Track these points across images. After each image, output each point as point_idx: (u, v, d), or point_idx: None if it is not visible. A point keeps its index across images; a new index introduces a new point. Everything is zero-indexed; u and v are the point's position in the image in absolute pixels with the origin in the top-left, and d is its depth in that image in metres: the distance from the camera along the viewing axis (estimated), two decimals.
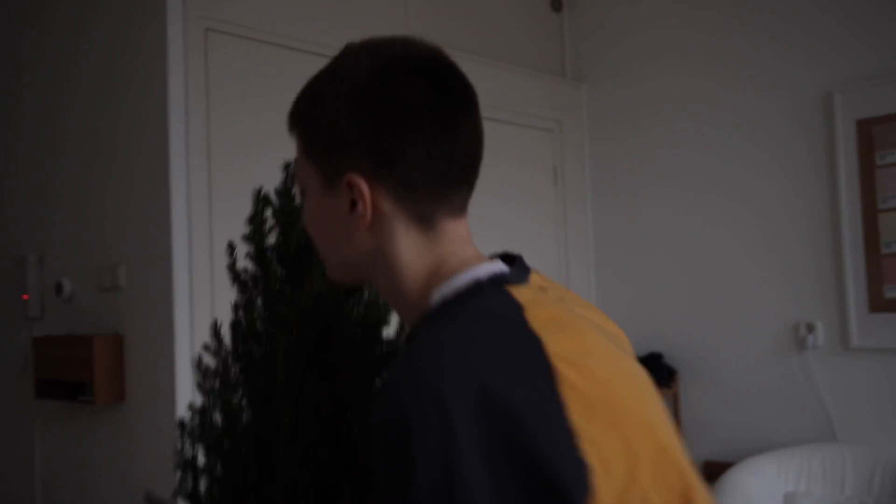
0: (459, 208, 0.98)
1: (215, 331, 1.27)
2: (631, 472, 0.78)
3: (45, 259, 3.10)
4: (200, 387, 1.28)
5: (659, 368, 3.89)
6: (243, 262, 1.26)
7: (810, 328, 3.62)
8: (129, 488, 2.73)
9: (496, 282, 0.90)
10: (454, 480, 0.72)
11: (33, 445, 3.11)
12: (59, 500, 3.01)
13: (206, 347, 1.23)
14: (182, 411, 2.58)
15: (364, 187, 0.91)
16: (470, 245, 0.99)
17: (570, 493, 0.74)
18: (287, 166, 1.38)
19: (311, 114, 0.96)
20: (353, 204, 0.92)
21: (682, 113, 4.01)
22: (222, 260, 2.70)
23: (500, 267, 0.94)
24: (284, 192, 1.37)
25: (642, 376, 0.91)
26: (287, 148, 3.08)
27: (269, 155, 2.85)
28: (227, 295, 2.75)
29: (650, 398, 0.88)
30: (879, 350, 3.46)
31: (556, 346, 0.82)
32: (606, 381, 0.83)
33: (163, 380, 2.61)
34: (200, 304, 2.64)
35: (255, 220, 1.32)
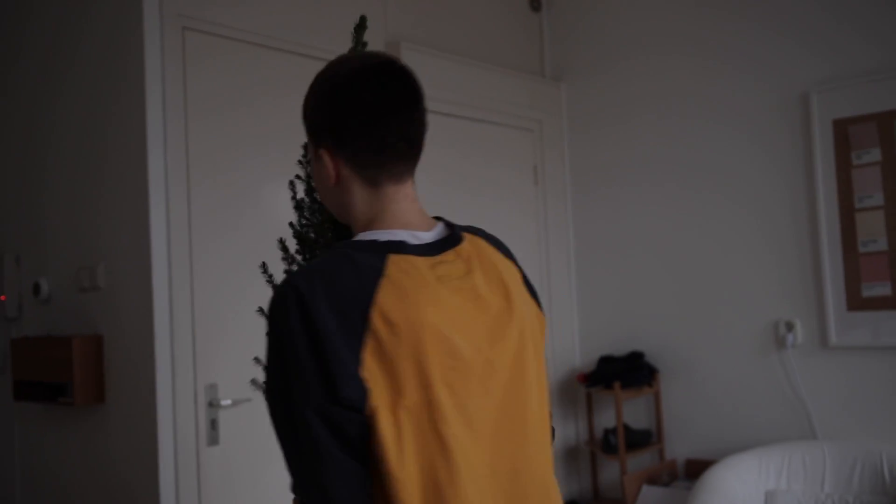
0: (400, 175, 1.31)
1: (283, 244, 1.76)
2: (399, 391, 1.13)
3: (23, 259, 3.08)
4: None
5: (640, 367, 3.91)
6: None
7: (790, 327, 3.65)
8: (109, 489, 2.71)
9: (387, 248, 1.23)
10: (312, 315, 1.13)
11: (12, 448, 3.08)
12: (40, 502, 2.98)
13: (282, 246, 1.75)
14: (162, 412, 2.56)
15: (327, 158, 1.30)
16: (412, 203, 1.32)
17: (351, 399, 1.12)
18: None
19: (303, 107, 1.34)
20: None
21: (661, 112, 4.03)
22: (201, 258, 2.69)
23: (406, 237, 1.26)
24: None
25: (476, 342, 1.23)
26: (265, 146, 3.09)
27: (248, 153, 2.85)
28: (207, 294, 2.73)
29: (469, 353, 1.21)
30: (858, 348, 3.49)
31: (386, 307, 1.16)
32: (414, 341, 1.15)
33: (143, 380, 2.59)
34: (180, 303, 2.62)
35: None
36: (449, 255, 1.29)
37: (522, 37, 4.30)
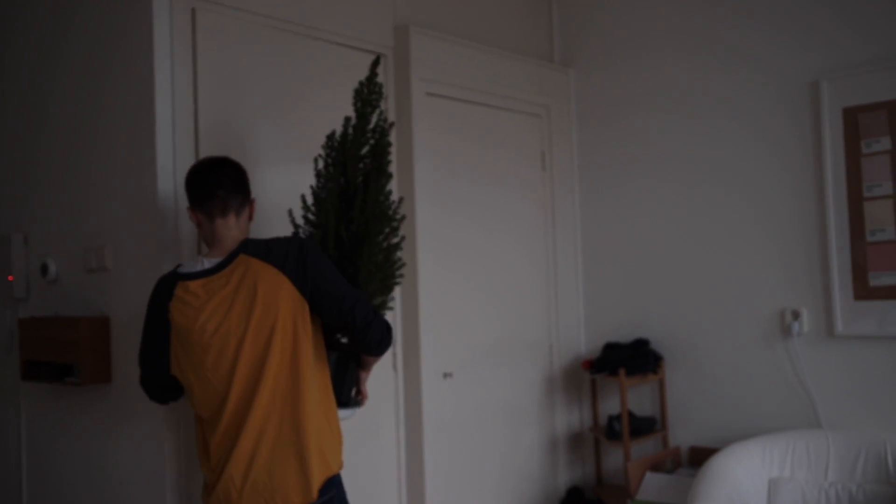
0: (219, 214, 2.30)
1: (304, 201, 2.54)
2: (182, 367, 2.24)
3: (31, 239, 3.08)
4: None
5: (645, 354, 3.91)
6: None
7: (796, 315, 3.64)
8: (116, 468, 2.72)
9: (177, 273, 2.30)
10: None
11: (20, 427, 3.10)
12: (46, 482, 3.00)
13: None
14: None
15: (189, 211, 2.35)
16: (226, 235, 2.30)
17: None
18: (347, 119, 2.55)
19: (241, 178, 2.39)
20: None
21: (669, 99, 4.01)
22: None
23: (200, 264, 2.28)
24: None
25: (223, 329, 2.21)
26: (275, 126, 3.10)
27: (257, 133, 2.84)
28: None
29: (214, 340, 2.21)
30: (864, 337, 3.48)
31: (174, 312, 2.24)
32: (186, 330, 2.22)
33: None
34: None
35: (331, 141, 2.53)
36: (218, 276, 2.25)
37: (532, 22, 4.28)
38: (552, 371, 4.13)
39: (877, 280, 3.43)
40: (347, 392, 2.46)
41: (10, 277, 3.09)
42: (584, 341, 4.30)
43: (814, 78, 3.59)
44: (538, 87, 4.12)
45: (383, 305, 2.55)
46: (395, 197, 2.59)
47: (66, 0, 2.95)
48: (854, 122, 3.48)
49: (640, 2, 4.14)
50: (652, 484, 3.65)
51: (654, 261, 4.07)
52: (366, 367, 2.51)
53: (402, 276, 2.60)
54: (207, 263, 2.26)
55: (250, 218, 2.40)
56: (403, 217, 2.61)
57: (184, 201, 2.51)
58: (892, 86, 3.41)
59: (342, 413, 2.43)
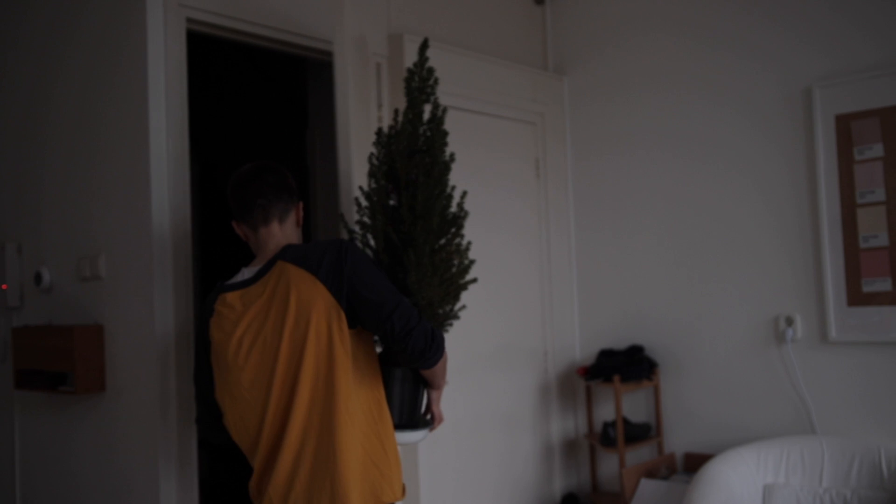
0: (261, 223, 2.19)
1: (358, 203, 2.49)
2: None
3: (24, 248, 3.08)
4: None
5: (640, 361, 3.91)
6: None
7: (789, 321, 3.65)
8: (110, 478, 2.72)
9: (220, 286, 2.18)
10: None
11: (13, 436, 3.09)
12: (40, 491, 2.99)
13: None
14: (163, 402, 2.57)
15: (234, 224, 2.23)
16: (269, 243, 2.19)
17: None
18: (396, 111, 2.54)
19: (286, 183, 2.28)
20: None
21: (663, 105, 4.03)
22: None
23: (241, 275, 2.17)
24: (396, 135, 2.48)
25: (250, 342, 2.08)
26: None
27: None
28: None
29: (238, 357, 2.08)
30: (857, 343, 3.49)
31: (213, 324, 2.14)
32: (222, 346, 2.10)
33: (144, 369, 2.60)
34: (181, 292, 2.63)
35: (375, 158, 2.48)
36: (256, 285, 2.12)
37: (525, 30, 4.30)
38: (547, 378, 4.13)
39: (870, 286, 3.44)
40: (414, 411, 2.24)
41: (4, 286, 3.09)
42: (578, 348, 4.31)
43: (807, 84, 3.60)
44: (532, 95, 4.13)
45: (450, 315, 2.35)
46: (457, 193, 2.41)
47: (66, 12, 2.95)
48: (847, 128, 3.50)
49: (631, 7, 4.15)
50: (647, 490, 3.66)
51: (649, 268, 4.08)
52: (433, 384, 2.28)
53: (471, 280, 2.40)
54: (248, 273, 2.13)
55: (298, 223, 2.24)
56: (466, 214, 2.43)
57: (179, 207, 2.51)
58: (884, 93, 3.42)
59: (410, 436, 2.23)
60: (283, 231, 2.18)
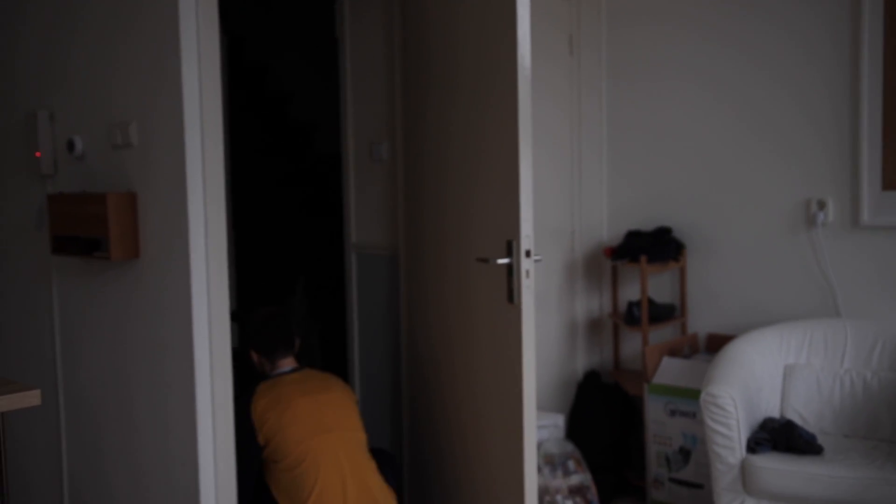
0: (277, 358, 3.11)
1: None
2: (274, 435, 2.93)
3: (56, 116, 3.09)
4: None
5: (667, 242, 3.92)
6: None
7: (821, 205, 3.62)
8: (146, 339, 2.81)
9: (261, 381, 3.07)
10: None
11: (52, 300, 3.18)
12: (78, 354, 3.10)
13: None
14: (195, 268, 2.62)
15: (254, 356, 3.16)
16: (284, 364, 3.12)
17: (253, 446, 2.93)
18: None
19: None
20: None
21: None
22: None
23: (273, 374, 3.11)
24: None
25: (315, 410, 2.97)
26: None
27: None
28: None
29: (312, 418, 2.95)
30: (890, 228, 3.46)
31: (258, 402, 2.96)
32: (269, 404, 2.96)
33: (176, 236, 2.64)
34: (211, 159, 2.64)
35: None
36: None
37: None
38: (574, 257, 4.15)
39: None
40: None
41: (38, 154, 3.12)
42: (606, 228, 4.31)
43: None
44: None
45: None
46: None
47: None
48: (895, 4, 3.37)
49: None
50: (669, 368, 3.72)
51: (680, 149, 4.03)
52: None
53: None
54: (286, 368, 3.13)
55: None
56: None
57: (209, 73, 2.50)
58: None
59: None
60: (292, 355, 3.14)
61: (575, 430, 3.99)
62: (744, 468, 3.05)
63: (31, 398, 1.98)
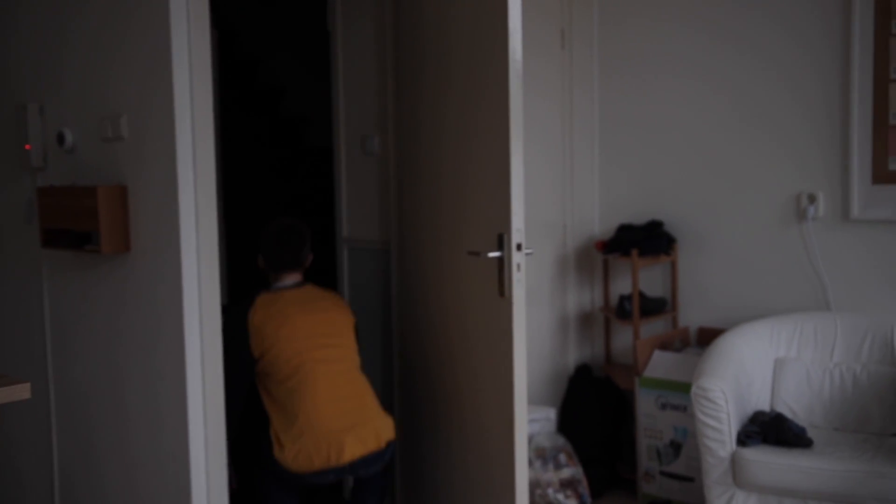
0: (283, 272, 3.16)
1: None
2: (270, 348, 2.98)
3: (46, 109, 3.08)
4: None
5: (659, 236, 3.92)
6: None
7: (812, 199, 3.63)
8: (137, 333, 2.80)
9: (261, 292, 3.12)
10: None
11: (42, 293, 3.17)
12: (69, 348, 3.09)
13: None
14: (186, 261, 2.61)
15: (261, 262, 3.21)
16: (286, 277, 3.16)
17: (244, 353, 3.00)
18: None
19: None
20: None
21: None
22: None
23: (274, 286, 3.16)
24: None
25: (312, 327, 3.04)
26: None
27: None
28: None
29: (298, 315, 3.05)
30: (880, 222, 3.48)
31: (256, 313, 3.02)
32: (265, 317, 3.01)
33: (167, 229, 2.63)
34: (202, 152, 2.64)
35: None
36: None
37: None
38: (565, 251, 4.16)
39: None
40: None
41: (28, 147, 3.10)
42: (597, 222, 4.32)
43: None
44: None
45: None
46: None
47: None
48: (886, 0, 3.37)
49: None
50: (659, 362, 3.73)
51: (671, 143, 4.04)
52: None
53: None
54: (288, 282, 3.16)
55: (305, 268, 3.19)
56: None
57: (200, 66, 2.49)
58: None
59: None
60: (298, 272, 3.18)
61: (566, 423, 4.00)
62: (734, 461, 3.06)
63: (21, 391, 1.98)
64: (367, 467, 2.96)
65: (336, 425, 2.90)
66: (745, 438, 3.11)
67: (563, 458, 3.63)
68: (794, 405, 3.36)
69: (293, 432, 2.88)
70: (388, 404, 3.63)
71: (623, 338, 4.23)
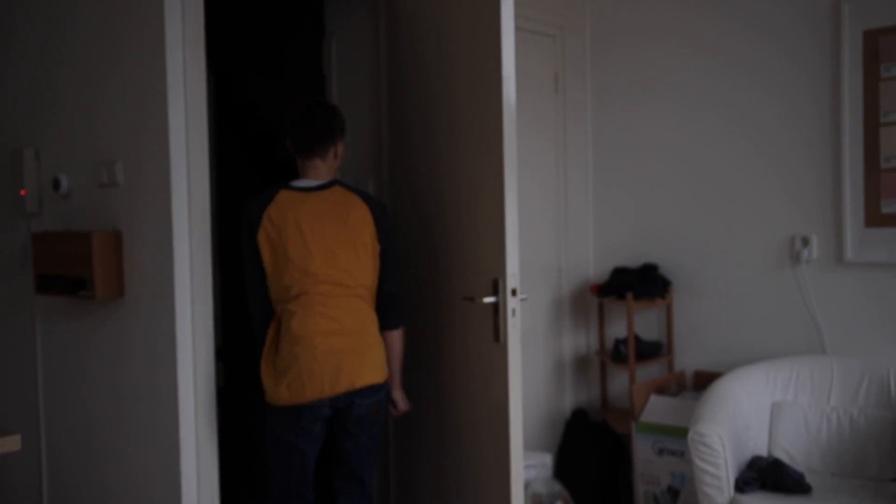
0: (309, 156, 2.77)
1: None
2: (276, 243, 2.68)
3: (42, 154, 3.09)
4: None
5: (654, 279, 3.92)
6: None
7: (805, 242, 3.64)
8: (129, 382, 2.78)
9: (283, 187, 2.76)
10: None
11: (35, 339, 3.15)
12: (62, 393, 3.06)
13: None
14: (180, 307, 2.60)
15: (289, 145, 2.81)
16: (311, 170, 2.79)
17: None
18: None
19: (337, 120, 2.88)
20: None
21: (686, 19, 3.94)
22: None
23: (296, 183, 2.78)
24: None
25: (317, 224, 2.71)
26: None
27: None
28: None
29: (312, 231, 2.69)
30: (873, 265, 3.48)
31: (271, 210, 2.69)
32: (281, 222, 2.67)
33: (161, 275, 2.63)
34: (198, 198, 2.64)
35: None
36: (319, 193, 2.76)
37: None
38: (560, 295, 4.15)
39: (889, 207, 3.41)
40: None
41: (23, 192, 3.11)
42: (592, 265, 4.32)
43: None
44: (552, 7, 4.05)
45: None
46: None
47: None
48: (874, 45, 3.42)
49: None
50: (656, 406, 3.71)
51: (665, 186, 4.06)
52: (396, 353, 2.88)
53: None
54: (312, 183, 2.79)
55: (336, 157, 2.85)
56: None
57: (196, 114, 2.50)
58: None
59: None
60: (325, 163, 2.81)
61: (563, 469, 3.96)
62: None
63: (11, 443, 1.95)
64: (363, 398, 2.70)
65: (334, 355, 2.64)
66: (743, 485, 3.08)
67: None
68: (792, 450, 3.33)
69: (285, 358, 2.62)
70: (383, 449, 3.60)
71: (619, 381, 4.20)
